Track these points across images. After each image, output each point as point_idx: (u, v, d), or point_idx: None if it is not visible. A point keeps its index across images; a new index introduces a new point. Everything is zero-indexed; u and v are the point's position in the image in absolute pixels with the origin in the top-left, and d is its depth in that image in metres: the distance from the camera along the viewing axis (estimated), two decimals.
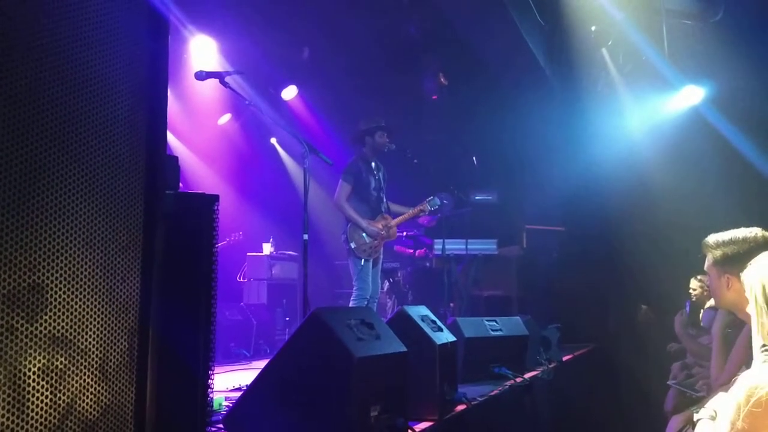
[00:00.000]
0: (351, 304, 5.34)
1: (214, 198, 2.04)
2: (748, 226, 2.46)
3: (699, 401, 3.64)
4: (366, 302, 5.31)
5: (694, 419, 2.25)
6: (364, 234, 5.41)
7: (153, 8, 1.70)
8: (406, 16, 6.88)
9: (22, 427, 1.27)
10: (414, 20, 6.96)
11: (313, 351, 2.14)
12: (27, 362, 1.30)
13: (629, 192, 6.75)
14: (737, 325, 4.10)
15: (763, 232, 2.40)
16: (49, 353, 1.35)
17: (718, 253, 2.46)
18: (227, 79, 4.18)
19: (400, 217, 5.74)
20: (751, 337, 2.05)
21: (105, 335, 1.49)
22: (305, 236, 4.19)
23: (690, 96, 6.96)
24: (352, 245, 5.40)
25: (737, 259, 2.39)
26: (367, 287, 5.38)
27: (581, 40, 6.64)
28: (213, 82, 4.23)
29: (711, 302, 4.49)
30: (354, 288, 5.42)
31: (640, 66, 6.94)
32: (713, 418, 2.12)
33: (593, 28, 6.73)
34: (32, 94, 1.34)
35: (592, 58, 6.96)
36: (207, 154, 8.03)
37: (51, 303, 1.36)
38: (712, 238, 2.52)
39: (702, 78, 6.77)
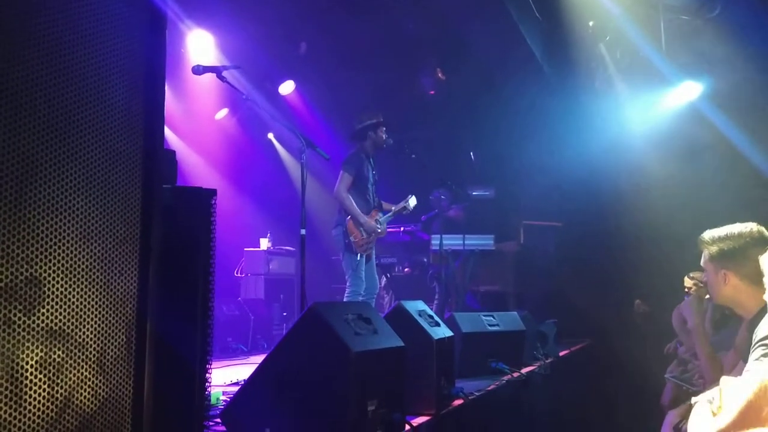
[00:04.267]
0: (345, 300, 5.33)
1: (212, 192, 2.04)
2: (744, 222, 2.47)
3: (696, 395, 3.63)
4: (360, 298, 5.30)
5: (692, 401, 2.25)
6: (362, 229, 5.40)
7: (150, 2, 1.70)
8: (404, 11, 6.87)
9: (20, 420, 1.28)
10: (412, 15, 6.94)
11: (311, 346, 2.15)
12: (24, 355, 1.30)
13: (626, 187, 6.76)
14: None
15: (759, 227, 2.41)
16: (46, 346, 1.35)
17: (714, 248, 2.47)
18: (224, 73, 4.16)
19: (388, 215, 5.73)
20: (749, 333, 2.05)
21: (102, 328, 1.49)
22: (302, 231, 4.18)
23: (688, 91, 6.95)
24: (351, 239, 5.35)
25: (733, 254, 2.40)
26: (361, 283, 5.36)
27: (579, 35, 6.64)
28: (210, 77, 4.23)
29: (707, 298, 4.49)
30: (347, 284, 5.39)
31: (638, 61, 6.93)
32: (711, 403, 2.12)
33: (591, 24, 6.72)
34: (28, 88, 1.34)
35: (590, 54, 6.96)
36: (204, 149, 8.02)
37: (48, 296, 1.36)
38: (707, 234, 2.53)
39: (700, 73, 6.77)
